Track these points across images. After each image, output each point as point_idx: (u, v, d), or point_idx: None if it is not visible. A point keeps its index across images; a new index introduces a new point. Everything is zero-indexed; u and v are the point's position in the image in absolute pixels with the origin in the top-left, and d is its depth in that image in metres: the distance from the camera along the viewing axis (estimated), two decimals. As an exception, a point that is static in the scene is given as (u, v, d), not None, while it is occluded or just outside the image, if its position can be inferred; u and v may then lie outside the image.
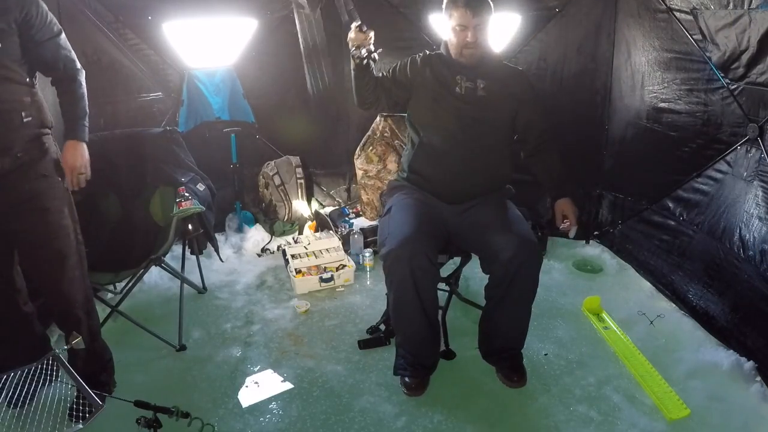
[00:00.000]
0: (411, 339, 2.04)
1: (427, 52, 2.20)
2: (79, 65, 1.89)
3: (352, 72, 2.03)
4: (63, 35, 1.82)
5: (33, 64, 1.76)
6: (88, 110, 1.90)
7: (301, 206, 3.56)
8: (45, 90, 2.63)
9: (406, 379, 2.07)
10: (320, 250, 3.06)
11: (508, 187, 2.27)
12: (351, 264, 3.00)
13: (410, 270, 1.87)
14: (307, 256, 3.03)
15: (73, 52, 1.87)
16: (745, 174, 2.23)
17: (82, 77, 1.89)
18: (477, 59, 2.07)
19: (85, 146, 1.89)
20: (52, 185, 1.79)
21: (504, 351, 2.14)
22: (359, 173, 3.20)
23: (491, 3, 2.02)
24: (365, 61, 1.95)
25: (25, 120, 1.68)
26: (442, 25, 2.12)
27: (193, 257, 2.82)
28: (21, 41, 1.68)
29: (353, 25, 1.92)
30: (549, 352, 2.33)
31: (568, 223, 2.11)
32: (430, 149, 2.13)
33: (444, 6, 2.06)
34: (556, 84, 3.26)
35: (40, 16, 1.72)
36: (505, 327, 2.09)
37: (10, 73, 1.64)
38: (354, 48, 1.94)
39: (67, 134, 1.87)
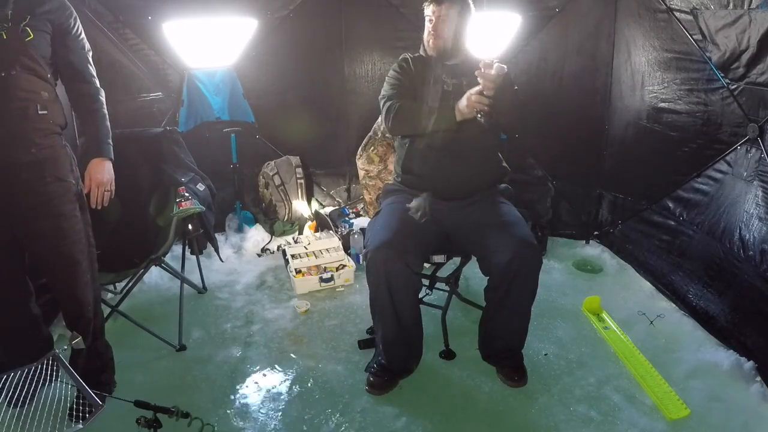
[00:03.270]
0: (383, 340, 2.06)
1: (408, 55, 2.23)
2: (100, 86, 1.92)
3: (442, 120, 2.01)
4: (91, 55, 1.90)
5: (62, 69, 1.81)
6: (110, 130, 1.93)
7: (301, 206, 3.56)
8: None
9: (371, 377, 2.09)
10: (320, 250, 3.06)
11: (507, 187, 2.27)
12: (351, 264, 3.00)
13: (384, 273, 1.89)
14: (307, 256, 3.03)
15: (97, 78, 1.91)
16: (745, 174, 2.23)
17: (104, 98, 1.92)
18: (441, 51, 2.10)
19: (111, 164, 1.92)
20: (67, 189, 1.79)
21: (504, 352, 2.14)
22: (361, 173, 3.20)
23: (469, 1, 2.10)
24: (481, 118, 1.92)
25: (40, 112, 1.70)
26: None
27: (193, 257, 2.82)
28: (53, 43, 1.74)
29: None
30: (549, 352, 2.33)
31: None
32: (422, 148, 2.13)
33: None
34: (556, 84, 3.26)
35: (77, 28, 1.81)
36: (505, 329, 2.09)
37: (34, 64, 1.67)
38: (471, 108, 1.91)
39: (92, 152, 1.89)
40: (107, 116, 1.92)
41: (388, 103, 2.09)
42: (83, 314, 1.87)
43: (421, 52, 2.21)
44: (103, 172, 1.88)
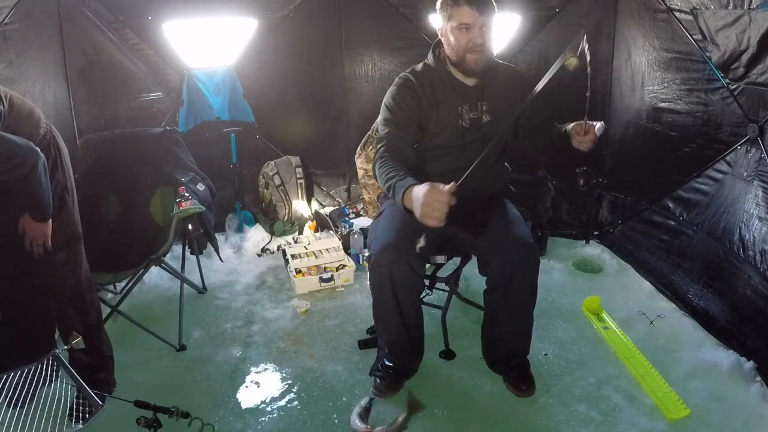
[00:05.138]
0: (388, 343, 2.05)
1: (410, 76, 1.95)
2: (30, 162, 1.59)
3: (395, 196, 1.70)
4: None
5: None
6: (50, 195, 1.71)
7: (301, 206, 3.56)
8: (46, 89, 2.65)
9: (377, 380, 2.08)
10: (320, 250, 3.06)
11: (508, 186, 2.26)
12: (351, 264, 3.00)
13: (389, 275, 1.86)
14: (307, 256, 3.03)
15: (15, 157, 1.57)
16: (745, 174, 2.23)
17: (36, 163, 1.61)
18: (483, 67, 1.87)
19: (48, 223, 1.75)
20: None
21: (510, 359, 2.10)
22: (360, 172, 3.20)
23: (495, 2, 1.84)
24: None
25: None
26: (439, 25, 1.91)
27: (193, 257, 2.82)
28: None
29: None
30: (549, 352, 2.32)
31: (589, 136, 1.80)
32: (432, 170, 2.01)
33: (439, 6, 1.87)
34: (555, 84, 3.24)
35: None
36: (507, 332, 2.06)
37: None
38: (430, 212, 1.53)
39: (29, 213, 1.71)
40: (41, 181, 1.64)
41: (379, 149, 1.86)
42: (59, 303, 1.87)
43: (431, 63, 1.96)
44: (35, 231, 1.75)
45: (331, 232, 3.37)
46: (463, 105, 1.94)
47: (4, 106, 1.64)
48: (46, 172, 1.68)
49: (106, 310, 2.32)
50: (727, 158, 2.35)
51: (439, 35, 1.94)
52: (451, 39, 1.86)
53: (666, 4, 2.54)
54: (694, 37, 2.42)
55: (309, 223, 3.55)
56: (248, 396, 2.09)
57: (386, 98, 1.96)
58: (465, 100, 1.94)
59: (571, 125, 1.88)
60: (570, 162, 3.32)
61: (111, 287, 2.56)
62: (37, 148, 1.64)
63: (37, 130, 1.74)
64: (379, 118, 1.97)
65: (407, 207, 1.65)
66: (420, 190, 1.56)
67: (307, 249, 3.07)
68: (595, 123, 1.81)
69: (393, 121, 1.91)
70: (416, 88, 1.93)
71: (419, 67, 2.01)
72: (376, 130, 3.10)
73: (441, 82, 1.95)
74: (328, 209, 3.76)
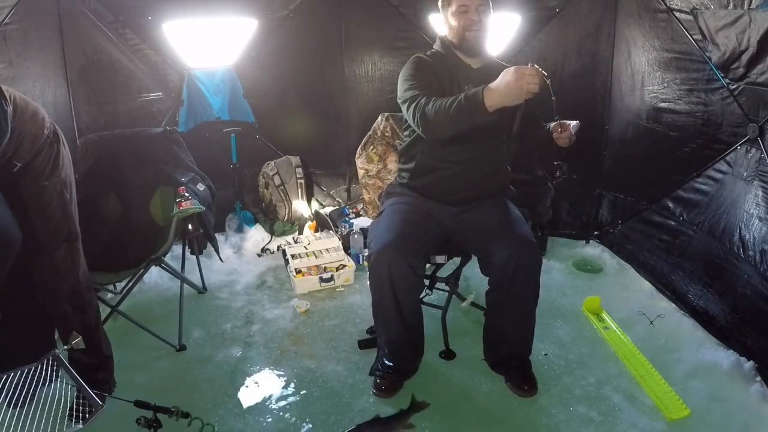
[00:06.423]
0: (388, 343, 2.05)
1: (422, 55, 2.07)
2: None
3: (470, 112, 1.73)
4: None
5: None
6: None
7: (301, 206, 3.56)
8: (46, 89, 2.65)
9: (377, 380, 2.08)
10: (320, 250, 3.06)
11: (509, 186, 2.26)
12: (351, 264, 3.00)
13: (388, 275, 1.86)
14: (307, 256, 3.03)
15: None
16: (745, 174, 2.23)
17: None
18: (480, 46, 2.00)
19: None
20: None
21: (511, 359, 2.10)
22: (360, 172, 3.21)
23: None
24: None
25: None
26: (441, 19, 2.07)
27: (193, 257, 2.82)
28: None
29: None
30: (549, 352, 2.32)
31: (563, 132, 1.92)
32: (433, 156, 2.08)
33: (440, 0, 2.04)
34: (555, 84, 3.22)
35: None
36: (509, 332, 2.06)
37: None
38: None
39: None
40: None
41: (414, 104, 1.84)
42: (57, 304, 1.86)
43: (439, 49, 2.08)
44: None
45: (331, 232, 3.37)
46: (468, 85, 1.99)
47: (9, 106, 1.65)
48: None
49: (106, 310, 2.32)
50: (727, 158, 2.35)
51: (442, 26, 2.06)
52: (452, 23, 2.01)
53: (666, 4, 2.54)
54: (694, 37, 2.42)
55: (309, 223, 3.55)
56: (248, 396, 2.09)
57: (404, 73, 1.99)
58: (470, 81, 2.01)
59: (553, 124, 1.98)
60: (570, 163, 3.33)
61: (111, 287, 2.56)
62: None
63: (42, 129, 1.75)
64: (401, 91, 1.95)
65: (491, 104, 1.71)
66: (505, 75, 1.69)
67: (307, 249, 3.07)
68: (570, 122, 1.94)
69: (418, 85, 1.90)
70: (431, 64, 2.02)
71: (428, 52, 2.10)
72: (377, 131, 3.12)
73: (449, 64, 2.05)
74: (328, 209, 3.76)
